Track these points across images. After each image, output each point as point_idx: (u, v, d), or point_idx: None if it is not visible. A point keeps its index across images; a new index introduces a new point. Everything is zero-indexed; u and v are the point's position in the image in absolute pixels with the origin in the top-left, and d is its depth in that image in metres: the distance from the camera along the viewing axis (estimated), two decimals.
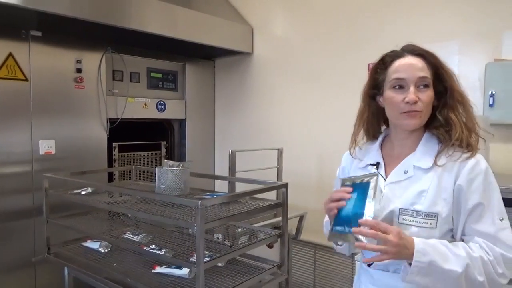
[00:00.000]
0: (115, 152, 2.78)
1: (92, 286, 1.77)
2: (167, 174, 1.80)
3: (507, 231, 0.96)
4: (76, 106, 2.46)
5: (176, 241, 1.79)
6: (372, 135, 1.17)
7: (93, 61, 2.54)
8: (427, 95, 1.01)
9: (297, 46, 2.78)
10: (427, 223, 0.97)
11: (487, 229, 0.95)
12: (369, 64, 2.42)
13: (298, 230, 2.45)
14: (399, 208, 1.01)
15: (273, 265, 1.72)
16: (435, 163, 1.00)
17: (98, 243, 1.96)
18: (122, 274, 1.64)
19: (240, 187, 1.72)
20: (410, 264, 0.92)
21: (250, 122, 3.10)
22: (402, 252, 0.91)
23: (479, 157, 1.00)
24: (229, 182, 2.16)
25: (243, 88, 3.16)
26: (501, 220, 0.96)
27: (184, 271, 1.62)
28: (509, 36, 1.95)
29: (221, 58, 3.31)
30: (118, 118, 2.67)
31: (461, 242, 0.97)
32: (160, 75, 2.99)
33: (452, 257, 0.92)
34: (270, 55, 2.97)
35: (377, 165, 1.09)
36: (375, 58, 2.65)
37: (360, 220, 0.93)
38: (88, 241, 2.02)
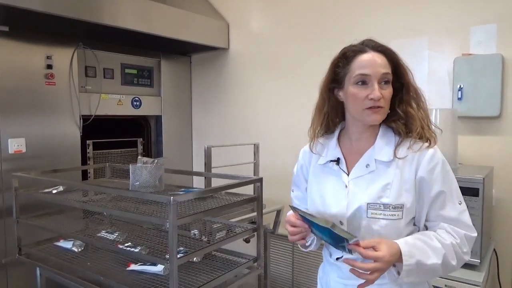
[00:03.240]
0: (89, 150, 2.73)
1: (66, 286, 1.74)
2: (141, 171, 1.79)
3: (466, 212, 1.03)
4: (47, 103, 2.39)
5: (153, 238, 1.78)
6: (330, 129, 1.17)
7: (64, 57, 2.47)
8: (389, 91, 1.03)
9: (272, 42, 2.79)
10: (394, 214, 1.00)
11: (450, 214, 1.02)
12: None
13: (276, 224, 2.47)
14: (367, 203, 1.02)
15: (249, 259, 1.74)
16: (395, 156, 1.03)
17: (71, 242, 1.92)
18: (96, 273, 1.62)
19: (219, 183, 1.71)
20: (394, 266, 0.96)
21: (227, 117, 3.10)
22: (393, 262, 0.94)
23: (435, 148, 1.04)
24: (205, 178, 2.16)
25: (219, 83, 3.15)
26: (460, 203, 1.03)
27: (159, 268, 1.61)
28: (476, 32, 2.01)
29: (197, 54, 3.29)
30: (92, 115, 2.61)
31: (431, 232, 1.01)
32: (135, 71, 2.95)
33: (431, 251, 0.97)
34: (246, 51, 2.96)
35: (337, 161, 1.10)
36: None
37: (353, 247, 0.92)
38: (61, 240, 1.98)
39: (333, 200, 1.08)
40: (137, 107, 2.94)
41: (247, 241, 2.08)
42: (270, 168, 2.64)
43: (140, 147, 3.11)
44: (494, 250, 1.92)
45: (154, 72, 3.08)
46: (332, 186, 1.10)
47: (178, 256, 1.37)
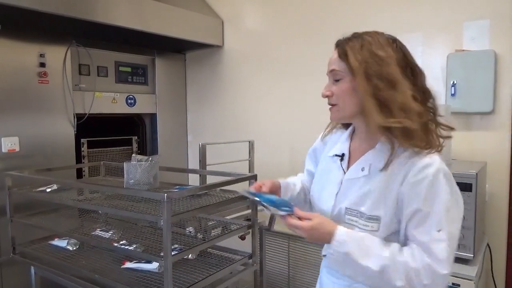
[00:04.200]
0: (84, 148, 2.72)
1: (60, 284, 1.73)
2: (136, 168, 1.78)
3: (442, 244, 0.88)
4: (40, 101, 2.38)
5: (148, 236, 1.77)
6: (346, 124, 1.15)
7: (58, 55, 2.46)
8: (339, 87, 0.99)
9: (267, 39, 2.79)
10: (369, 225, 0.95)
11: (422, 238, 0.90)
12: None
13: (271, 221, 2.46)
14: (346, 208, 1.00)
15: (244, 256, 1.74)
16: (387, 164, 0.94)
17: (66, 241, 1.92)
18: (90, 271, 1.61)
19: (214, 181, 1.71)
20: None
21: (222, 115, 3.10)
22: (315, 237, 0.94)
23: (433, 159, 0.91)
24: (200, 175, 2.15)
25: (214, 81, 3.14)
26: (439, 231, 0.88)
27: (154, 266, 1.61)
28: (469, 27, 2.01)
29: (192, 51, 3.28)
30: (86, 114, 2.60)
31: (396, 244, 0.93)
32: (129, 69, 2.93)
33: (373, 254, 0.90)
34: (241, 48, 2.96)
35: (342, 156, 1.07)
36: None
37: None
38: (56, 239, 1.97)
39: (325, 197, 1.07)
40: (131, 105, 2.93)
41: (242, 238, 2.08)
42: (265, 165, 2.64)
43: (135, 145, 3.10)
44: (488, 244, 1.94)
45: (148, 70, 3.07)
46: (330, 181, 1.08)
47: (173, 253, 1.37)
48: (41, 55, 2.37)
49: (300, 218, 0.97)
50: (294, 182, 1.28)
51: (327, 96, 1.01)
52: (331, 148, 1.13)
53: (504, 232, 1.97)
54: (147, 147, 3.16)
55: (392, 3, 2.24)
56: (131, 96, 2.93)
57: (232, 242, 1.76)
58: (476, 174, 1.57)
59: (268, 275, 2.65)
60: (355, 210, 0.98)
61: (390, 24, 2.25)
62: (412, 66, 0.98)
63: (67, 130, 2.52)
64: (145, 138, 3.16)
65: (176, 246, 1.54)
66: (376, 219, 0.94)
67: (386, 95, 0.91)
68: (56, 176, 2.18)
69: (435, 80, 2.12)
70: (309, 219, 0.95)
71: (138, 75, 3.00)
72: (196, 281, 1.49)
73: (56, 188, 1.99)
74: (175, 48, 3.17)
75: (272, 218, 1.18)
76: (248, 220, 2.11)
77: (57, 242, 1.95)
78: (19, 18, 2.17)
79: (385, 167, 0.94)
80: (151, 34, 2.55)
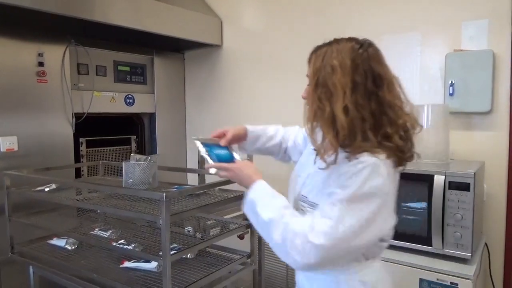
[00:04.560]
0: (83, 148, 2.72)
1: (59, 284, 1.73)
2: (134, 168, 1.78)
3: (327, 220, 0.92)
4: (39, 100, 2.37)
5: (147, 236, 1.78)
6: None
7: (56, 54, 2.45)
8: (306, 90, 1.08)
9: (266, 38, 2.79)
10: (310, 211, 1.04)
11: (317, 211, 0.98)
12: None
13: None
14: (302, 195, 1.10)
15: (243, 255, 1.74)
16: (329, 162, 0.99)
17: (65, 240, 1.92)
18: (89, 270, 1.61)
19: (212, 180, 1.71)
20: None
21: (220, 114, 3.10)
22: (239, 176, 1.11)
23: (366, 159, 0.94)
24: (198, 175, 2.15)
25: (213, 80, 3.14)
26: (332, 209, 0.93)
27: (153, 265, 1.61)
28: (468, 27, 2.02)
29: (191, 51, 3.27)
30: (84, 113, 2.60)
31: (296, 211, 1.03)
32: (127, 68, 2.93)
33: (270, 208, 1.01)
34: (240, 47, 2.96)
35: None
36: None
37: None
38: (54, 238, 1.97)
39: (295, 184, 1.16)
40: (130, 104, 2.93)
41: (241, 237, 2.08)
42: (263, 165, 2.63)
43: (133, 144, 3.10)
44: (486, 244, 1.95)
45: (147, 69, 3.07)
46: (304, 172, 1.15)
47: (172, 252, 1.38)
48: (40, 54, 2.36)
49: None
50: (272, 135, 1.39)
51: (304, 98, 1.09)
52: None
53: (502, 231, 1.98)
54: (146, 147, 3.16)
55: (391, 2, 2.25)
56: (129, 96, 2.92)
57: (230, 241, 1.76)
58: (474, 173, 1.58)
59: (266, 274, 2.65)
60: (306, 197, 1.09)
61: (388, 24, 2.27)
62: (375, 74, 0.99)
63: (65, 130, 2.51)
64: (143, 137, 3.16)
65: (175, 245, 1.54)
66: (316, 205, 1.03)
67: (321, 104, 0.99)
68: (54, 175, 2.18)
69: (434, 80, 2.13)
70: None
71: (136, 75, 3.00)
72: (195, 280, 1.49)
73: (54, 187, 1.98)
74: (174, 47, 3.17)
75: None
76: (247, 219, 2.12)
77: (55, 241, 1.95)
78: (18, 17, 2.16)
79: (328, 164, 0.99)
80: (149, 34, 2.55)
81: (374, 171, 0.93)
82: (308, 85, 1.07)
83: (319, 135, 1.03)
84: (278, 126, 1.42)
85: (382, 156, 0.95)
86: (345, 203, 0.92)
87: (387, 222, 1.01)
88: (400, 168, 1.04)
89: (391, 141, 0.98)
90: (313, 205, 1.04)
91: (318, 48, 1.08)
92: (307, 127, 1.03)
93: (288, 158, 1.43)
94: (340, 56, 0.99)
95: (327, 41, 1.08)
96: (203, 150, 1.20)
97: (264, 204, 1.02)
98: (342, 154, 0.97)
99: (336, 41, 1.06)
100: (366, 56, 1.00)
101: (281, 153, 1.42)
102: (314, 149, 1.09)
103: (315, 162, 1.09)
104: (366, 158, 0.94)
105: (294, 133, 1.40)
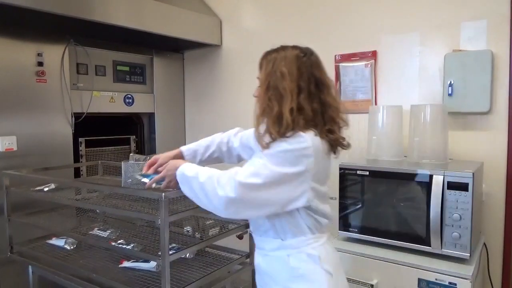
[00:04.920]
0: (82, 148, 2.72)
1: (58, 284, 1.74)
2: (134, 168, 1.78)
3: (251, 166, 1.14)
4: (38, 100, 2.37)
5: (146, 235, 1.78)
6: None
7: (55, 54, 2.45)
8: (257, 91, 1.26)
9: (265, 38, 2.79)
10: None
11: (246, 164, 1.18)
12: (335, 56, 2.46)
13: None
14: None
15: (242, 255, 1.75)
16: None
17: (64, 240, 1.92)
18: (88, 270, 1.61)
19: None
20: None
21: (220, 114, 3.10)
22: (173, 173, 1.26)
23: (299, 133, 1.15)
24: None
25: (212, 80, 3.14)
26: (261, 159, 1.15)
27: (152, 265, 1.62)
28: (467, 27, 2.02)
29: (190, 51, 3.27)
30: (84, 113, 2.60)
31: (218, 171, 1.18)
32: (127, 68, 2.93)
33: (200, 173, 1.18)
34: (239, 47, 2.96)
35: None
36: (340, 49, 2.69)
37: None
38: (53, 238, 1.97)
39: None
40: (129, 104, 2.93)
41: (240, 237, 2.08)
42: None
43: (133, 144, 3.10)
44: (484, 244, 1.95)
45: (146, 69, 3.07)
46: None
47: (171, 252, 1.38)
48: (39, 54, 2.36)
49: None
50: (207, 145, 1.56)
51: (256, 97, 1.25)
52: None
53: (501, 231, 1.98)
54: (145, 147, 3.16)
55: (390, 3, 2.25)
56: (129, 95, 2.93)
57: (229, 241, 1.76)
58: (473, 174, 1.58)
59: None
60: None
61: (387, 24, 2.27)
62: (317, 79, 1.20)
63: (65, 129, 2.51)
64: (143, 137, 3.16)
65: (174, 245, 1.54)
66: None
67: (270, 104, 1.17)
68: (54, 175, 2.18)
69: (432, 80, 2.13)
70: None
71: (136, 74, 2.99)
72: (194, 280, 1.50)
73: (53, 187, 1.99)
74: (173, 47, 3.17)
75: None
76: (247, 219, 2.12)
77: (54, 241, 1.95)
78: (17, 17, 2.16)
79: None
80: (149, 34, 2.55)
81: (299, 136, 1.14)
82: (259, 86, 1.24)
83: (262, 127, 1.21)
84: (214, 135, 1.60)
85: (311, 132, 1.16)
86: (268, 157, 1.13)
87: (305, 192, 1.17)
88: (334, 155, 1.27)
89: (332, 134, 1.21)
90: None
91: (267, 54, 1.24)
92: (255, 121, 1.21)
93: (238, 158, 1.56)
94: (288, 64, 1.18)
95: (275, 47, 1.24)
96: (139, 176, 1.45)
97: (194, 173, 1.19)
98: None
99: (283, 48, 1.22)
100: (309, 63, 1.20)
101: (226, 156, 1.57)
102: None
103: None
104: (300, 133, 1.14)
105: (238, 135, 1.55)
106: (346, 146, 1.27)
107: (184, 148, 1.53)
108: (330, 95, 1.22)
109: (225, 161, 1.59)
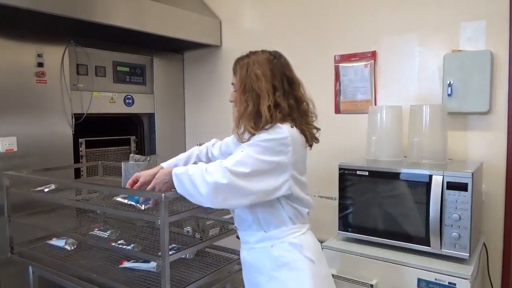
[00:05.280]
0: (82, 148, 2.72)
1: (58, 284, 1.74)
2: (134, 168, 1.78)
3: (236, 156, 1.21)
4: (38, 101, 2.38)
5: (147, 236, 1.78)
6: None
7: (56, 55, 2.46)
8: (233, 95, 1.37)
9: (265, 39, 2.79)
10: None
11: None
12: (335, 56, 2.46)
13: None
14: None
15: None
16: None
17: (64, 240, 1.92)
18: (88, 270, 1.62)
19: None
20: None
21: (220, 114, 3.10)
22: (161, 180, 1.32)
23: (277, 125, 1.24)
24: None
25: (212, 81, 3.15)
26: (242, 151, 1.22)
27: (152, 265, 1.62)
28: (466, 28, 2.02)
29: (190, 51, 3.28)
30: (84, 114, 2.60)
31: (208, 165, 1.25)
32: (127, 69, 2.93)
33: (188, 168, 1.24)
34: (239, 48, 2.90)
35: None
36: (340, 49, 2.69)
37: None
38: (54, 239, 1.98)
39: None
40: (129, 105, 2.94)
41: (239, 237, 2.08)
42: None
43: (133, 145, 3.11)
44: (484, 244, 1.95)
45: (146, 69, 3.07)
46: None
47: (171, 253, 1.38)
48: (39, 55, 2.37)
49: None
50: (187, 157, 1.65)
51: (232, 101, 1.36)
52: None
53: (501, 231, 1.98)
54: (145, 147, 3.16)
55: (389, 3, 2.25)
56: (129, 96, 2.93)
57: (229, 241, 1.76)
58: (472, 174, 1.58)
59: None
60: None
61: (387, 25, 2.27)
62: (289, 78, 1.32)
63: (65, 130, 2.52)
64: (143, 138, 3.16)
65: (174, 245, 1.55)
66: None
67: (248, 105, 1.26)
68: (54, 176, 2.18)
69: (432, 81, 2.13)
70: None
71: (136, 75, 3.00)
72: (194, 280, 1.50)
73: (54, 188, 1.99)
74: (173, 48, 3.17)
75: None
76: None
77: (55, 241, 1.96)
78: (17, 18, 2.16)
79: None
80: (149, 34, 2.55)
81: (277, 127, 1.23)
82: (234, 91, 1.35)
83: (241, 129, 1.30)
84: (191, 149, 1.69)
85: (288, 124, 1.25)
86: (250, 147, 1.21)
87: (286, 180, 1.25)
88: (308, 146, 1.36)
89: (305, 125, 1.31)
90: None
91: (239, 60, 1.34)
92: (235, 124, 1.31)
93: None
94: (261, 67, 1.28)
95: (243, 54, 1.36)
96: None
97: (185, 170, 1.24)
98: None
99: (253, 53, 1.34)
100: (280, 65, 1.32)
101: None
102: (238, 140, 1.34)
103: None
104: (277, 125, 1.24)
105: (216, 145, 1.66)
106: (317, 140, 1.39)
107: (164, 164, 1.61)
108: (301, 92, 1.34)
109: None
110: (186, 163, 1.59)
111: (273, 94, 1.26)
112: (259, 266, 1.33)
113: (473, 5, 2.00)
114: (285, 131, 1.23)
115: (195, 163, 1.59)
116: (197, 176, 1.20)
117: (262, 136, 1.23)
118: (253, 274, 1.37)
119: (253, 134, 1.25)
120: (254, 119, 1.25)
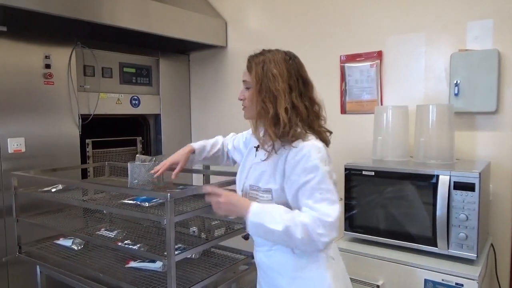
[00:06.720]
0: (89, 149, 2.74)
1: (65, 283, 1.75)
2: (140, 169, 1.79)
3: (324, 202, 1.15)
4: (46, 102, 2.40)
5: (153, 236, 1.79)
6: None
7: (63, 56, 2.48)
8: (247, 94, 1.28)
9: (270, 39, 2.79)
10: (264, 196, 1.25)
11: (308, 202, 1.16)
12: (340, 56, 2.46)
13: None
14: (249, 184, 1.30)
15: (247, 255, 1.75)
16: (270, 152, 1.24)
17: (71, 240, 1.94)
18: (95, 270, 1.63)
19: (217, 180, 1.72)
20: None
21: (226, 115, 3.11)
22: (234, 211, 1.23)
23: (306, 143, 1.19)
24: (203, 175, 2.16)
25: (218, 81, 3.16)
26: (320, 194, 1.16)
27: (158, 265, 1.63)
28: (473, 27, 2.01)
29: (196, 52, 3.29)
30: (91, 114, 2.62)
31: (296, 210, 1.18)
32: (133, 70, 2.95)
33: (278, 220, 1.14)
34: (244, 49, 2.93)
35: (257, 147, 1.33)
36: (346, 49, 2.68)
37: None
38: (61, 239, 1.99)
39: (240, 177, 1.38)
40: (136, 106, 2.95)
41: (245, 238, 2.08)
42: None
43: (139, 145, 3.12)
44: (492, 245, 1.93)
45: (152, 70, 3.09)
46: (245, 167, 1.38)
47: (176, 253, 1.39)
48: (47, 57, 2.39)
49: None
50: (213, 143, 1.65)
51: (241, 100, 1.30)
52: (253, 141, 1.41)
53: (509, 232, 1.96)
54: (152, 148, 3.18)
55: (396, 3, 2.24)
56: (135, 97, 2.95)
57: (235, 241, 1.76)
58: (479, 173, 1.57)
59: None
60: (255, 186, 1.28)
61: (393, 24, 2.26)
62: (304, 79, 1.27)
63: (72, 131, 2.54)
64: (149, 138, 3.18)
65: (180, 245, 1.55)
66: (269, 191, 1.24)
67: (265, 106, 1.21)
68: (61, 176, 2.20)
69: (439, 80, 2.12)
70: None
71: (142, 76, 3.02)
72: (199, 280, 1.50)
73: (61, 188, 2.01)
74: (179, 49, 3.19)
75: None
76: None
77: (62, 241, 1.97)
78: (25, 20, 2.19)
79: (269, 155, 1.24)
80: (155, 35, 2.57)
81: (317, 148, 1.19)
82: (246, 88, 1.29)
83: (261, 130, 1.27)
84: (216, 137, 1.70)
85: (312, 137, 1.23)
86: (320, 183, 1.16)
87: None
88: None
89: (319, 128, 1.28)
90: (267, 191, 1.24)
91: (254, 57, 1.27)
92: (252, 125, 1.28)
93: (233, 161, 1.65)
94: (278, 65, 1.23)
95: (256, 52, 1.29)
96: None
97: (271, 221, 1.15)
98: (278, 143, 1.22)
99: (267, 51, 1.28)
100: (295, 65, 1.27)
101: (225, 157, 1.66)
102: (255, 146, 1.33)
103: (256, 156, 1.33)
104: (303, 144, 1.19)
105: (231, 138, 1.66)
106: (329, 143, 1.36)
107: (194, 144, 1.62)
108: (314, 93, 1.32)
109: (223, 162, 1.68)
110: (211, 149, 1.63)
111: (289, 95, 1.22)
112: (279, 268, 1.30)
113: (480, 4, 1.98)
114: (320, 146, 1.21)
115: (218, 151, 1.64)
116: (305, 242, 1.14)
117: (311, 161, 1.17)
118: (272, 276, 1.33)
119: (273, 141, 1.22)
120: (275, 123, 1.21)
